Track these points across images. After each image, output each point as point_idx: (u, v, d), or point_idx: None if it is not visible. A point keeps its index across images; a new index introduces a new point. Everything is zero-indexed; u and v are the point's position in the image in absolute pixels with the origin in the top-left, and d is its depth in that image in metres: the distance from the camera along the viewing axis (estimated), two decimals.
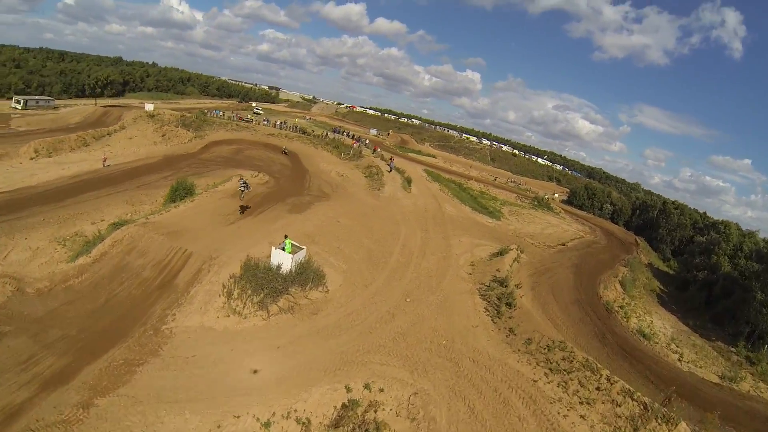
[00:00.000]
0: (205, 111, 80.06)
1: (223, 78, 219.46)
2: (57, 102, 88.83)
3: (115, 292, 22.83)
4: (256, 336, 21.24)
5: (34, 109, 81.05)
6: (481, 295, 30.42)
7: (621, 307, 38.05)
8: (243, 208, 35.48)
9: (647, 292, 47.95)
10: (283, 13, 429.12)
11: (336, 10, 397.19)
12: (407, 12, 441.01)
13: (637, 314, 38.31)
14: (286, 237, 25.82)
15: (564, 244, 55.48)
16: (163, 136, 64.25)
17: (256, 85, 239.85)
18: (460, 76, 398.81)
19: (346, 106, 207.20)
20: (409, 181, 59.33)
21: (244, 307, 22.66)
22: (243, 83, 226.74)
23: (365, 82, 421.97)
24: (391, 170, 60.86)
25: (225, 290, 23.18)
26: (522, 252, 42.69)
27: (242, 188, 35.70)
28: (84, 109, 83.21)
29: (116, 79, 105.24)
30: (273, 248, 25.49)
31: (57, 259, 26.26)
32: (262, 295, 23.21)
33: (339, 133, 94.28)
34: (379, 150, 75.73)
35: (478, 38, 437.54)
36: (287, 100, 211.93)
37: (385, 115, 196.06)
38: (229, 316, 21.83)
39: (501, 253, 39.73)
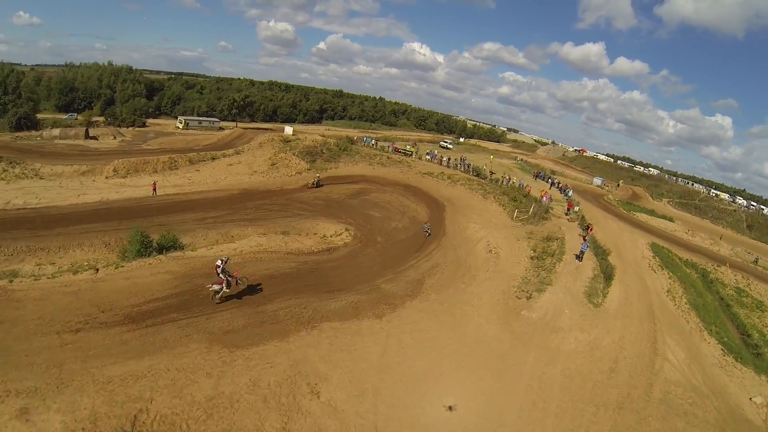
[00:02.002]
0: (354, 138, 64.33)
1: (461, 117, 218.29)
2: (224, 123, 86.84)
3: None
4: None
5: (195, 129, 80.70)
6: None
7: None
8: None
9: None
10: (521, 55, 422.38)
11: (574, 51, 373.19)
12: (649, 50, 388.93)
13: None
14: None
15: None
16: (272, 165, 50.91)
17: (495, 126, 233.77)
18: (708, 122, 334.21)
19: (575, 150, 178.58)
20: (609, 275, 30.66)
21: None
22: (482, 124, 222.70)
23: (606, 128, 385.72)
24: (581, 256, 32.71)
25: None
26: None
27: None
28: (224, 132, 78.90)
29: (256, 101, 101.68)
30: None
31: None
32: None
33: (543, 178, 70.61)
34: (578, 209, 46.98)
35: (729, 75, 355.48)
36: (514, 140, 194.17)
37: (619, 162, 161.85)
38: None
39: None
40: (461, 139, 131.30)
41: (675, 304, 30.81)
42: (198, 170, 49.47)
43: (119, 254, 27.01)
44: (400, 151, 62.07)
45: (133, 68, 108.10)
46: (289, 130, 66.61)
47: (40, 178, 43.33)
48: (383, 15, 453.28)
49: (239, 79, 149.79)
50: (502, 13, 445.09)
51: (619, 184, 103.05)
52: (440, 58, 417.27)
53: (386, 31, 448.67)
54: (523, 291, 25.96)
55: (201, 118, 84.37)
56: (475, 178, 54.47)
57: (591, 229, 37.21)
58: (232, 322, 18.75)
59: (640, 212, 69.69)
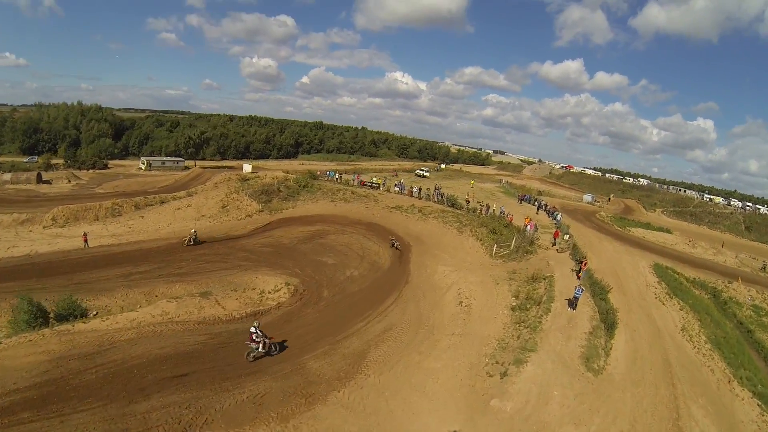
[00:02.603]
0: (317, 173, 59.08)
1: (447, 143, 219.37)
2: (188, 162, 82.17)
3: None
4: None
5: (158, 169, 76.32)
6: None
7: None
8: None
9: None
10: (503, 77, 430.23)
11: (554, 69, 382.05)
12: (626, 62, 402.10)
13: None
14: None
15: None
16: (223, 207, 45.52)
17: (481, 149, 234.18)
18: (690, 126, 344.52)
19: (562, 167, 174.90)
20: (611, 322, 23.84)
21: None
22: (468, 148, 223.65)
23: (591, 142, 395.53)
24: (574, 303, 25.47)
25: None
26: None
27: None
28: (184, 172, 74.00)
29: (211, 137, 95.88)
30: None
31: None
32: None
33: (528, 201, 65.09)
34: (568, 237, 40.89)
35: (707, 78, 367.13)
36: (500, 162, 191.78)
37: (607, 175, 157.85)
38: None
39: None
40: (442, 165, 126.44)
41: (694, 346, 25.10)
42: (142, 216, 43.89)
43: (9, 325, 21.82)
44: (366, 184, 56.70)
45: (103, 107, 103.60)
46: (247, 167, 61.39)
47: None
48: (364, 46, 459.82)
49: (218, 114, 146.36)
50: (481, 37, 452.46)
51: (610, 199, 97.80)
52: (423, 85, 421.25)
53: (368, 61, 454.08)
54: (497, 363, 19.51)
55: (164, 159, 79.49)
56: (450, 209, 48.40)
57: (585, 264, 30.64)
58: (87, 429, 13.27)
59: (635, 227, 64.58)
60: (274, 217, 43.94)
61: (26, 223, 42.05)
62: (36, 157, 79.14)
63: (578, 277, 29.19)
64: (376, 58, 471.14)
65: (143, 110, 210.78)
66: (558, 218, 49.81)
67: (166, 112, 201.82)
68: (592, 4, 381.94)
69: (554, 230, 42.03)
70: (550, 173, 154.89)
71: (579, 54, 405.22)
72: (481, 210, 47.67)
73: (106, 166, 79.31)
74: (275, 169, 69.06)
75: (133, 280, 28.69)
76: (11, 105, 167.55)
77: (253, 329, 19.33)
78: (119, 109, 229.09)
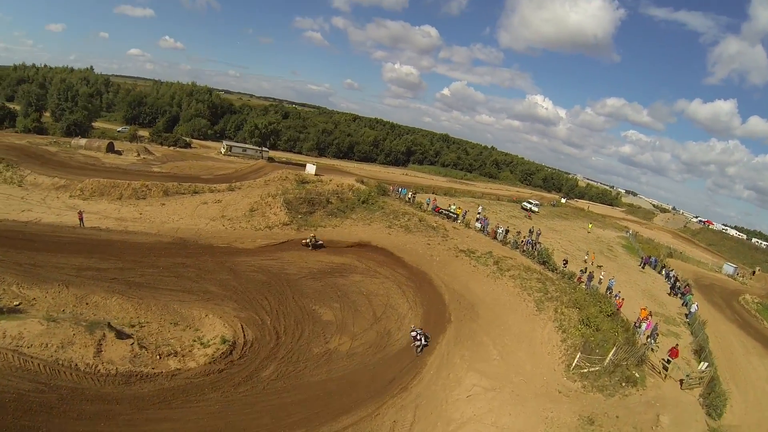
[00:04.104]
0: (389, 187, 51.90)
1: (577, 176, 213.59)
2: (273, 153, 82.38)
3: None
4: None
5: (237, 155, 75.57)
6: None
7: None
8: None
9: None
10: (645, 112, 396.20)
11: (702, 109, 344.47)
12: None
13: None
14: None
15: None
16: (251, 210, 40.38)
17: (612, 187, 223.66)
18: None
19: (699, 220, 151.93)
20: None
21: None
22: (598, 184, 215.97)
23: (734, 195, 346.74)
24: None
25: None
26: None
27: None
28: (247, 162, 71.42)
29: (277, 128, 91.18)
30: None
31: None
32: None
33: (654, 266, 51.85)
34: (705, 368, 24.61)
35: None
36: (630, 205, 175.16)
37: (754, 240, 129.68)
38: None
39: None
40: (562, 200, 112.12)
41: None
42: (163, 204, 40.12)
43: None
44: (441, 212, 47.16)
45: (211, 89, 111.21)
46: (311, 168, 56.17)
47: (19, 186, 41.16)
48: (507, 65, 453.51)
49: (339, 112, 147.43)
50: (626, 67, 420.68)
51: (755, 272, 75.37)
52: (562, 112, 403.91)
53: (510, 81, 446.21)
54: None
55: (246, 146, 78.31)
56: (539, 267, 36.43)
57: None
58: None
59: None
60: (301, 234, 36.93)
61: (61, 189, 42.03)
62: (127, 127, 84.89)
63: None
64: (517, 79, 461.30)
65: (282, 101, 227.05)
66: (692, 310, 35.54)
67: (304, 105, 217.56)
68: (752, 36, 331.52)
69: (671, 350, 25.86)
70: (684, 226, 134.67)
71: (732, 94, 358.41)
72: (579, 277, 35.50)
73: (188, 145, 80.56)
74: (350, 173, 63.79)
75: (82, 277, 25.24)
76: (162, 81, 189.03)
77: (414, 333, 24.08)
78: (259, 97, 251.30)
